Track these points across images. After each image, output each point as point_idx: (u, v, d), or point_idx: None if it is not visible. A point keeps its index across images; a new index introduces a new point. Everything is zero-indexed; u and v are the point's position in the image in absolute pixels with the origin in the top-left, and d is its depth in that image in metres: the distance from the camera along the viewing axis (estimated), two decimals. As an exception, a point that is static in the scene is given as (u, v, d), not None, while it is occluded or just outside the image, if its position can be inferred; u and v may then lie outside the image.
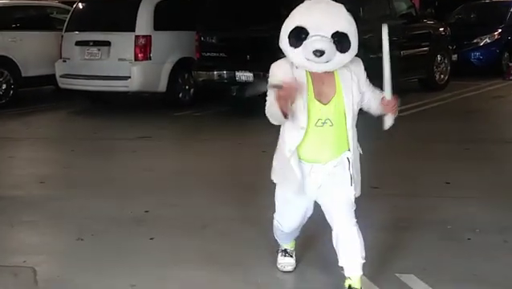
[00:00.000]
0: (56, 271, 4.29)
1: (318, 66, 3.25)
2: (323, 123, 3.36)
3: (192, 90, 10.79)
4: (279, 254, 4.08)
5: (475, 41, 14.54)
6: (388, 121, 3.48)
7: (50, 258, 4.58)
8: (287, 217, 3.76)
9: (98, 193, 6.07)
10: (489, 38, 14.66)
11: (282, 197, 3.67)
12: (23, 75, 11.28)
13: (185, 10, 10.92)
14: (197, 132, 9.30)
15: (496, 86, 13.20)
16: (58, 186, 6.53)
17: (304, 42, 3.19)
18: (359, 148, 3.57)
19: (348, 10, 3.31)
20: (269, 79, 3.39)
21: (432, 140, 8.28)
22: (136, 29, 10.27)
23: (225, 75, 9.91)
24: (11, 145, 8.77)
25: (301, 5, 3.34)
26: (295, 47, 3.24)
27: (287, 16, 3.33)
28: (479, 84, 13.04)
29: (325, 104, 3.36)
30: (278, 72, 3.34)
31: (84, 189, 6.29)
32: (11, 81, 11.15)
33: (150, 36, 10.29)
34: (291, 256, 4.07)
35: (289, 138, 3.42)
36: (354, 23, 3.32)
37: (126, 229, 5.02)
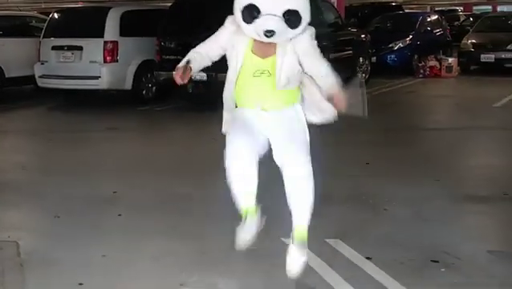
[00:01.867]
0: (36, 245, 4.23)
1: (267, 39, 3.11)
2: (261, 73, 3.25)
3: (154, 88, 10.72)
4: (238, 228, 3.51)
5: (390, 45, 14.76)
6: (331, 115, 3.33)
7: (31, 234, 4.51)
8: (234, 156, 3.28)
9: (72, 177, 5.99)
10: (402, 43, 14.92)
11: (229, 140, 3.34)
12: (6, 76, 11.10)
13: (147, 19, 10.88)
14: (158, 124, 9.26)
15: (408, 83, 13.46)
16: (37, 171, 6.43)
17: (256, 20, 3.05)
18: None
19: None
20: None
21: (355, 127, 8.36)
22: (105, 35, 10.16)
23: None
24: (-4, 137, 8.58)
25: None
26: (247, 23, 3.11)
27: None
28: (394, 82, 13.30)
29: (263, 58, 3.25)
30: (225, 31, 3.37)
31: (60, 173, 6.21)
32: (-5, 81, 10.95)
33: (117, 41, 10.20)
34: (249, 223, 3.44)
35: (226, 90, 3.42)
36: None
37: (97, 208, 4.97)
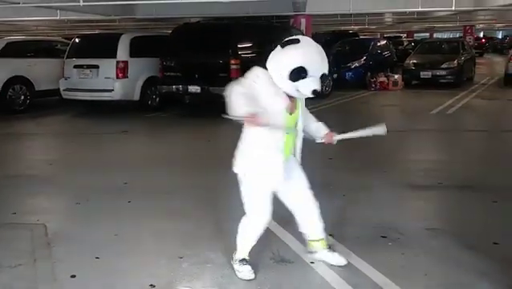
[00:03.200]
0: (61, 226, 4.19)
1: (309, 96, 2.91)
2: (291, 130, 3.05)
3: (157, 98, 10.63)
4: (238, 264, 3.23)
5: (348, 65, 14.79)
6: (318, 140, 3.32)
7: (56, 217, 4.47)
8: (266, 206, 3.09)
9: (90, 171, 5.94)
10: (357, 63, 14.99)
11: (260, 190, 3.05)
12: (36, 89, 10.93)
13: (152, 42, 10.79)
14: (162, 128, 9.19)
15: (362, 95, 13.53)
16: (62, 167, 6.36)
17: (302, 80, 2.80)
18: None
19: None
20: (249, 77, 2.91)
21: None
22: (117, 56, 10.05)
23: (181, 88, 9.81)
24: (28, 138, 8.47)
25: (298, 46, 2.85)
26: (293, 81, 2.81)
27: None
28: (351, 94, 13.35)
29: (291, 115, 3.01)
30: (263, 77, 2.88)
31: (80, 168, 6.14)
32: (27, 94, 10.79)
33: (127, 61, 10.10)
34: (249, 263, 3.24)
35: (273, 139, 2.98)
36: None
37: (111, 196, 4.93)
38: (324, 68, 2.90)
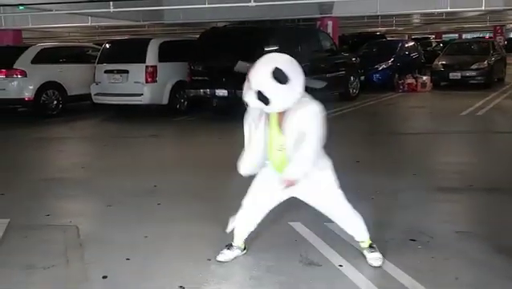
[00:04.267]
0: (93, 228, 4.26)
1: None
2: (281, 148, 3.12)
3: (186, 102, 10.72)
4: (225, 249, 3.49)
5: (376, 66, 14.62)
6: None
7: (88, 219, 4.55)
8: (251, 203, 3.37)
9: (121, 174, 6.02)
10: (385, 65, 14.81)
11: (252, 190, 3.36)
12: (68, 94, 11.13)
13: (180, 47, 10.86)
14: (190, 131, 9.27)
15: (390, 97, 13.37)
16: (94, 170, 6.45)
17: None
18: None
19: (276, 70, 2.88)
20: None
21: (348, 132, 8.36)
22: (147, 61, 10.16)
23: (208, 92, 9.89)
24: (60, 142, 8.63)
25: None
26: None
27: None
28: (379, 96, 13.20)
29: (282, 134, 3.10)
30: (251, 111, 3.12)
31: (112, 171, 6.24)
32: (60, 98, 11.00)
33: (156, 66, 10.20)
34: (232, 251, 3.48)
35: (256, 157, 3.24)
36: (270, 83, 2.87)
37: (141, 198, 4.98)
38: (254, 85, 2.91)
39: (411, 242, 3.72)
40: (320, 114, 3.04)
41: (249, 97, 2.98)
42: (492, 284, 3.10)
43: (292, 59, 3.04)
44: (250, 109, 3.13)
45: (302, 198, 3.35)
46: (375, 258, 3.35)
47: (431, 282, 3.10)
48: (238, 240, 3.49)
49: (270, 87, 2.90)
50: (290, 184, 3.12)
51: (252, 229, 3.47)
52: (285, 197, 3.35)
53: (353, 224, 3.39)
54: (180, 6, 12.58)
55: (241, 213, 3.41)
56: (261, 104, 2.96)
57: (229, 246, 3.48)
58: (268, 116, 3.12)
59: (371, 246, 3.40)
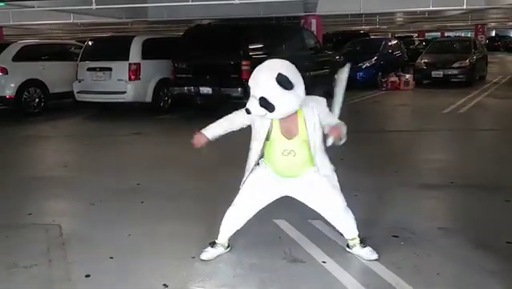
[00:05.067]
0: (75, 227, 4.23)
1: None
2: (288, 153, 3.16)
3: (169, 100, 10.68)
4: (208, 246, 3.48)
5: (359, 64, 14.67)
6: (329, 141, 3.21)
7: (71, 218, 4.52)
8: (250, 195, 3.35)
9: (104, 172, 5.99)
10: (368, 63, 14.91)
11: (243, 192, 3.35)
12: (50, 92, 11.01)
13: (164, 45, 10.83)
14: (173, 130, 9.23)
15: (374, 94, 13.48)
16: (76, 168, 6.41)
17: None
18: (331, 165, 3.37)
19: (280, 76, 2.90)
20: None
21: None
22: (130, 58, 10.10)
23: (192, 90, 9.85)
24: (43, 141, 8.55)
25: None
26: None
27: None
28: (362, 94, 13.29)
29: (289, 140, 3.16)
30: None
31: (94, 169, 6.19)
32: (42, 96, 10.88)
33: (139, 63, 10.14)
34: (216, 249, 3.47)
35: (252, 160, 3.29)
36: (275, 89, 2.91)
37: (124, 197, 4.96)
38: (257, 91, 2.94)
39: (393, 238, 3.76)
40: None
41: (251, 104, 2.97)
42: (471, 278, 3.15)
43: (291, 64, 3.05)
44: (253, 116, 3.11)
45: (297, 196, 3.36)
46: (369, 251, 3.40)
47: (413, 278, 3.14)
48: (223, 238, 3.49)
49: (276, 93, 2.90)
50: (337, 131, 3.11)
51: (239, 228, 3.46)
52: (277, 197, 3.37)
53: (346, 222, 3.41)
54: (164, 4, 12.50)
55: (231, 210, 3.40)
56: (264, 111, 2.96)
57: (213, 244, 3.48)
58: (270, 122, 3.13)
59: (362, 242, 3.45)
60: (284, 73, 2.92)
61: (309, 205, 3.39)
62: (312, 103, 3.16)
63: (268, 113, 2.99)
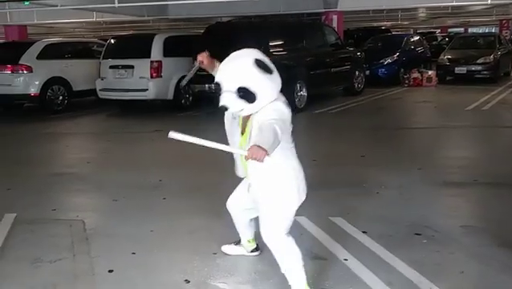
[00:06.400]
0: (99, 222, 4.29)
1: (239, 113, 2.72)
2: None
3: (190, 97, 10.74)
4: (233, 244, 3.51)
5: (381, 61, 14.54)
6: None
7: (94, 214, 4.57)
8: (231, 202, 3.36)
9: (126, 169, 6.05)
10: (390, 59, 14.73)
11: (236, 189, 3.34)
12: (74, 89, 11.16)
13: (185, 42, 10.80)
14: (194, 126, 9.27)
15: (396, 91, 13.33)
16: (99, 165, 6.50)
17: (220, 96, 2.67)
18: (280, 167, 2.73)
19: (257, 61, 2.59)
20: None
21: (353, 127, 8.36)
22: (151, 56, 10.17)
23: (213, 87, 9.86)
24: (66, 138, 8.69)
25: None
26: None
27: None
28: (384, 90, 13.17)
29: (242, 135, 2.90)
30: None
31: (117, 166, 6.27)
32: (65, 94, 11.03)
33: (161, 61, 10.21)
34: (237, 246, 3.49)
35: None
36: (256, 74, 2.55)
37: (146, 193, 5.01)
38: (233, 83, 2.55)
39: (416, 236, 3.72)
40: (281, 109, 2.59)
41: (227, 99, 2.60)
42: (495, 277, 3.10)
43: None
44: (228, 114, 2.91)
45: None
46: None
47: (436, 276, 3.10)
48: (243, 240, 3.44)
49: (257, 80, 2.54)
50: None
51: (250, 229, 3.37)
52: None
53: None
54: (185, 1, 12.56)
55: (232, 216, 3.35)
56: (243, 104, 2.58)
57: (237, 242, 3.47)
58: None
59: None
60: (259, 58, 2.61)
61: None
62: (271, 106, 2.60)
63: (246, 107, 2.60)
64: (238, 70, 2.60)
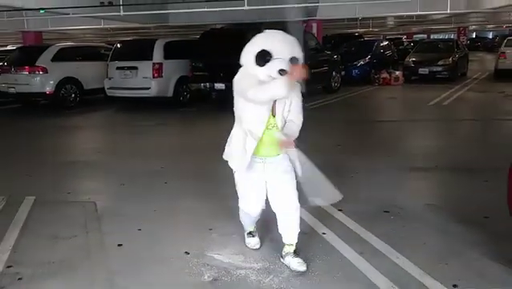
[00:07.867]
0: (109, 204, 4.27)
1: (280, 76, 2.57)
2: (272, 126, 2.76)
3: (188, 95, 10.68)
4: (246, 236, 3.26)
5: (355, 63, 14.56)
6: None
7: (104, 196, 4.55)
8: (250, 199, 2.95)
9: (132, 157, 6.02)
10: (363, 61, 14.76)
11: (240, 179, 2.95)
12: (85, 88, 11.05)
13: (183, 46, 10.77)
14: (192, 120, 9.25)
15: (367, 89, 13.37)
16: (108, 153, 6.46)
17: (269, 63, 2.57)
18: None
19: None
20: (237, 88, 2.74)
21: (330, 120, 8.38)
22: (153, 58, 10.10)
23: (208, 86, 9.86)
24: (78, 130, 8.60)
25: (261, 34, 2.69)
26: (260, 66, 2.60)
27: (242, 50, 2.69)
28: (357, 89, 13.20)
29: (274, 116, 2.75)
30: (248, 79, 2.64)
31: (124, 155, 6.23)
32: (77, 92, 10.92)
33: (162, 63, 10.14)
34: (255, 236, 3.24)
35: (249, 142, 2.78)
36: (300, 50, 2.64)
37: (150, 178, 4.99)
38: (293, 52, 2.58)
39: (385, 213, 3.77)
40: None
41: (282, 65, 2.55)
42: (455, 249, 3.16)
43: None
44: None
45: (268, 181, 2.89)
46: (299, 262, 2.90)
47: (402, 247, 3.15)
48: (249, 228, 3.26)
49: (302, 55, 2.63)
50: (288, 143, 2.73)
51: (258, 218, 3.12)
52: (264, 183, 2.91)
53: (292, 224, 2.88)
54: (183, 10, 12.46)
55: (246, 214, 3.08)
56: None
57: (249, 234, 3.25)
58: None
59: (295, 252, 2.96)
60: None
61: (267, 194, 2.90)
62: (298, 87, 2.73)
63: (284, 76, 2.52)
64: (293, 42, 2.65)
